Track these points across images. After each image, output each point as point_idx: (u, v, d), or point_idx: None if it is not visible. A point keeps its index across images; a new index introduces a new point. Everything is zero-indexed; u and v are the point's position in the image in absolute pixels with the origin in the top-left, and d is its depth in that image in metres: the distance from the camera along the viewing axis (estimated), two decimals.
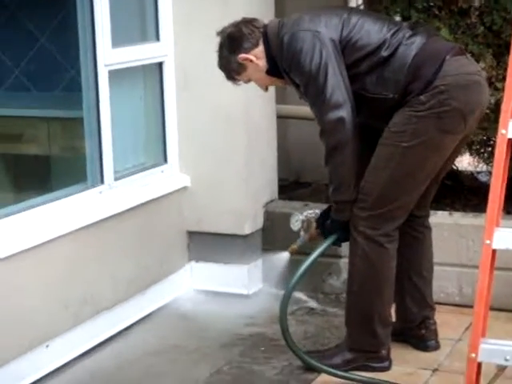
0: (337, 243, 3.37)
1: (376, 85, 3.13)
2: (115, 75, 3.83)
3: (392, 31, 3.15)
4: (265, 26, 3.28)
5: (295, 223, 3.44)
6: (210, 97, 4.13)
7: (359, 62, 3.14)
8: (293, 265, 3.42)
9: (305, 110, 4.73)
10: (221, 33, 3.33)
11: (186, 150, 4.23)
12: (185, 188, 4.22)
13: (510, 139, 2.61)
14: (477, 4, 3.99)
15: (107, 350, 3.66)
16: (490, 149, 4.25)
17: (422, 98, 3.08)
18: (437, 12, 3.99)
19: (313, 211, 3.42)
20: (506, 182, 2.64)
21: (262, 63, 3.26)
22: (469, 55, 3.33)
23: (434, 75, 3.08)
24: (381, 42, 3.12)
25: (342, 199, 3.22)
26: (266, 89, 3.46)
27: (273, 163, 4.38)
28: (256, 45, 3.26)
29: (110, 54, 3.76)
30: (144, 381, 3.39)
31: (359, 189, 3.21)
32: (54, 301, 3.46)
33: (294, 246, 3.46)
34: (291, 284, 3.30)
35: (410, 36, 3.15)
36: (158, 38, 4.12)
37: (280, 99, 4.54)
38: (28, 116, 4.63)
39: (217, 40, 4.08)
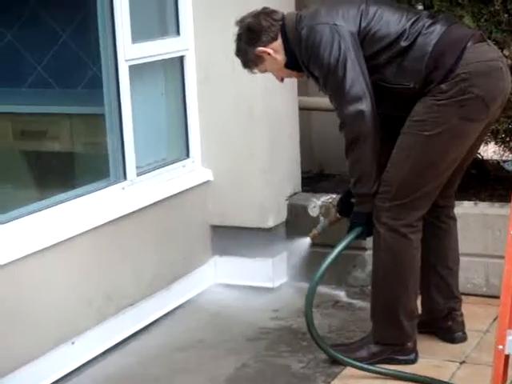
0: (361, 236, 3.34)
1: (396, 75, 3.11)
2: (136, 70, 3.83)
3: (411, 21, 3.12)
4: (283, 19, 3.26)
5: (313, 209, 3.47)
6: (232, 90, 4.12)
7: (378, 54, 3.12)
8: (318, 258, 3.40)
9: (327, 101, 4.72)
10: (240, 22, 3.31)
11: (208, 144, 4.22)
12: (207, 182, 4.21)
13: None
14: None
15: (132, 346, 3.67)
16: None
17: (443, 86, 3.06)
18: (459, 0, 3.94)
19: (330, 196, 3.44)
20: None
21: (280, 56, 3.26)
22: (490, 41, 3.29)
23: (455, 63, 3.05)
24: (400, 32, 3.10)
25: (363, 192, 3.20)
26: (282, 80, 3.45)
27: (296, 156, 4.36)
28: (274, 38, 3.24)
29: (130, 49, 3.75)
30: (169, 376, 3.39)
31: (381, 180, 3.18)
32: (78, 297, 3.46)
33: (315, 231, 3.46)
34: (316, 277, 3.28)
35: (430, 25, 3.12)
36: (178, 33, 4.11)
37: (302, 91, 4.52)
38: (51, 113, 4.65)
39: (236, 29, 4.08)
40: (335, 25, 3.11)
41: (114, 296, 3.64)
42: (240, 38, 3.30)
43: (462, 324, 3.49)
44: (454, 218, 3.48)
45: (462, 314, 3.49)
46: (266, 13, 3.30)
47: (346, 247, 3.31)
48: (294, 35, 3.20)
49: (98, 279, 3.56)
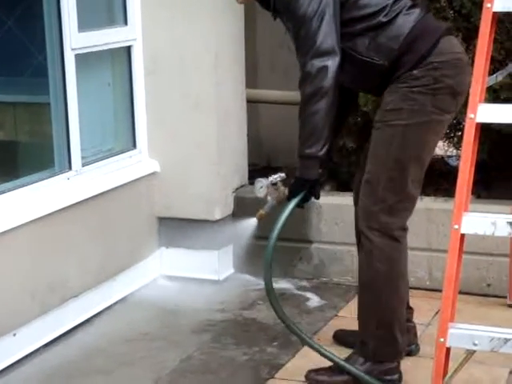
0: (300, 205, 3.11)
1: (368, 48, 3.02)
2: (82, 59, 3.78)
3: None
4: None
5: (260, 189, 3.24)
6: (179, 81, 4.09)
7: (355, 22, 3.04)
8: (263, 251, 3.38)
9: (275, 94, 4.74)
10: None
11: (155, 135, 4.20)
12: (154, 173, 4.19)
13: (478, 123, 2.60)
14: None
15: (76, 337, 3.63)
16: (459, 133, 4.25)
17: (415, 72, 2.99)
18: None
19: (278, 175, 3.26)
20: (474, 166, 2.63)
21: None
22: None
23: (429, 51, 2.99)
24: (381, 6, 3.02)
25: (311, 153, 3.01)
26: (242, 2, 3.35)
27: (243, 148, 4.36)
28: None
29: (76, 38, 3.71)
30: (113, 369, 3.36)
31: (364, 182, 3.07)
32: (21, 288, 3.42)
33: (262, 212, 3.23)
34: (267, 256, 3.08)
35: (410, 7, 3.05)
36: (125, 22, 4.07)
37: (250, 83, 4.51)
38: None
39: (185, 24, 4.06)
40: None
41: (57, 287, 3.59)
42: None
43: (416, 335, 3.40)
44: (406, 228, 3.24)
45: (415, 326, 3.40)
46: None
47: (288, 218, 3.08)
48: None
49: (41, 270, 3.51)
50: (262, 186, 3.20)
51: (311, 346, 3.18)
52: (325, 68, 2.97)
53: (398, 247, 3.09)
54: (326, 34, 2.98)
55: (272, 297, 3.11)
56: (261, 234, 3.33)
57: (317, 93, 2.98)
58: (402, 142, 3.01)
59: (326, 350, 3.16)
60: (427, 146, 3.07)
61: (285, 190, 3.18)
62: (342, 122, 3.30)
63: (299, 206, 3.12)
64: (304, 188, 3.08)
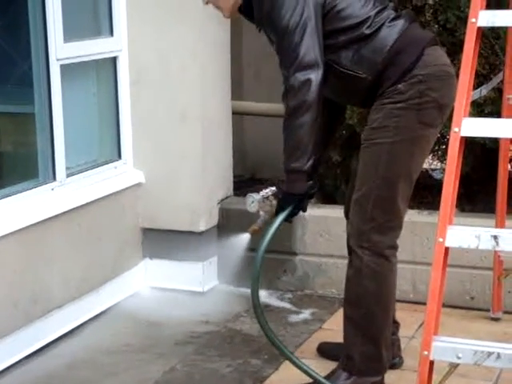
0: (288, 219, 3.10)
1: (351, 61, 3.01)
2: (68, 70, 3.78)
3: (377, 9, 3.03)
4: None
5: (251, 204, 3.21)
6: (165, 92, 4.10)
7: (337, 34, 3.02)
8: (249, 262, 3.38)
9: (261, 106, 4.75)
10: None
11: (140, 146, 4.19)
12: (139, 184, 4.18)
13: (462, 137, 2.61)
14: (431, 2, 4.00)
15: (59, 348, 3.61)
16: (444, 146, 4.27)
17: (400, 86, 2.97)
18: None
19: (269, 189, 3.24)
20: (458, 179, 2.64)
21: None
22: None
23: (414, 63, 2.97)
24: (364, 18, 3.00)
25: (296, 167, 2.99)
26: (229, 17, 3.32)
27: (228, 160, 4.36)
28: None
29: (61, 49, 3.70)
30: (96, 380, 3.34)
31: (353, 201, 3.07)
32: (3, 299, 3.39)
33: (255, 227, 3.20)
34: (254, 273, 3.07)
35: (394, 18, 3.04)
36: (111, 33, 4.07)
37: (236, 95, 4.52)
38: None
39: (170, 35, 4.05)
40: None
41: (40, 298, 3.58)
42: None
43: (399, 348, 3.40)
44: (396, 247, 3.21)
45: (399, 339, 3.40)
46: None
47: (276, 233, 3.08)
48: None
49: (24, 281, 3.49)
50: (253, 201, 3.18)
51: (296, 365, 3.16)
52: (308, 81, 2.94)
53: (387, 266, 3.08)
54: (309, 47, 2.96)
55: (258, 312, 3.09)
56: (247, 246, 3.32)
57: (301, 106, 2.96)
58: (389, 159, 3.00)
59: (309, 369, 3.15)
60: (414, 162, 3.06)
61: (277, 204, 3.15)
62: (330, 134, 3.30)
63: (287, 220, 3.11)
64: (291, 202, 3.07)
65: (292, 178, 3.04)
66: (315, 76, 2.95)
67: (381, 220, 3.03)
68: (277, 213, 3.10)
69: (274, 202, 3.15)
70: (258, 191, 3.22)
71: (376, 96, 3.03)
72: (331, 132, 3.34)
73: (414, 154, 3.04)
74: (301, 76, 2.94)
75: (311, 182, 3.12)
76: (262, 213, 3.20)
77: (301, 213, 3.17)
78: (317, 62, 2.96)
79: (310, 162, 3.00)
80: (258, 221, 3.20)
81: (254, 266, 3.08)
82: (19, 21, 4.02)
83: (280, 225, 3.08)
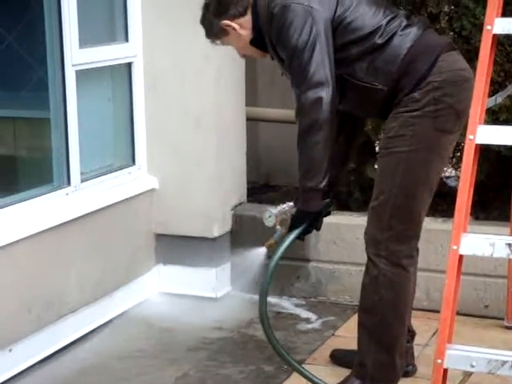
0: (300, 237, 3.12)
1: (366, 73, 3.00)
2: (83, 75, 3.79)
3: (388, 18, 3.02)
4: None
5: (268, 219, 3.25)
6: (180, 98, 4.11)
7: (350, 46, 3.01)
8: (261, 268, 3.38)
9: (275, 112, 4.75)
10: None
11: (154, 152, 4.20)
12: (152, 190, 4.19)
13: (477, 145, 2.61)
14: (446, 9, 3.99)
15: (72, 353, 3.62)
16: (458, 154, 4.26)
17: (415, 95, 2.95)
18: None
19: (286, 205, 3.26)
20: (473, 187, 2.63)
21: (246, 33, 3.11)
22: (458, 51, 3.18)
23: (428, 70, 2.96)
24: (375, 27, 2.99)
25: (311, 186, 3.00)
26: (244, 56, 3.33)
27: (242, 166, 4.36)
28: (243, 14, 3.08)
29: (77, 54, 3.72)
30: None
31: (370, 209, 3.06)
32: (18, 303, 3.40)
33: (272, 241, 3.23)
34: (264, 285, 3.11)
35: (406, 26, 3.02)
36: (126, 39, 4.09)
37: (250, 101, 4.53)
38: None
39: (185, 41, 4.06)
40: (310, 7, 2.96)
41: (54, 303, 3.58)
42: (207, 8, 3.15)
43: (413, 356, 3.38)
44: (417, 249, 3.20)
45: (412, 347, 3.37)
46: None
47: (288, 248, 3.11)
48: (266, 12, 3.04)
49: (38, 285, 3.50)
50: (270, 216, 3.21)
51: (304, 375, 3.18)
52: (319, 99, 2.94)
53: (405, 275, 3.07)
54: (318, 65, 2.95)
55: (266, 326, 3.11)
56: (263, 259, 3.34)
57: (313, 125, 2.96)
58: (407, 168, 2.98)
59: (318, 379, 3.15)
60: (433, 170, 3.04)
61: None
62: (348, 150, 3.27)
63: (299, 238, 3.12)
64: (306, 220, 3.08)
65: (307, 196, 3.04)
66: (326, 94, 2.94)
67: (398, 229, 3.02)
68: (290, 230, 3.11)
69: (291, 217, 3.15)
70: (275, 206, 3.25)
71: (392, 105, 3.02)
72: (349, 148, 3.32)
73: (432, 162, 3.02)
74: (311, 94, 2.95)
75: (327, 200, 3.13)
76: (278, 227, 3.22)
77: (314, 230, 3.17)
78: (327, 80, 2.95)
79: (326, 180, 3.00)
80: (275, 235, 3.23)
81: (262, 283, 3.10)
82: (35, 27, 4.04)
83: (292, 243, 3.10)
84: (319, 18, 2.97)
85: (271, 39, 3.07)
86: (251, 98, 4.55)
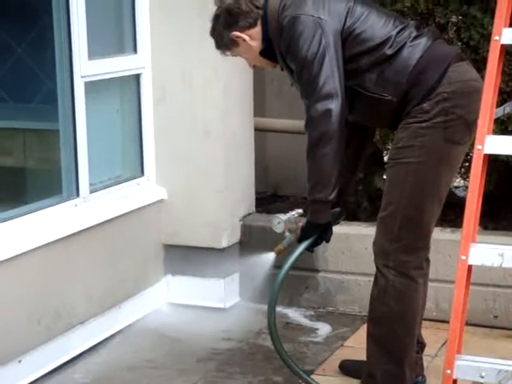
0: (310, 248, 3.13)
1: (376, 84, 2.99)
2: (92, 87, 3.80)
3: (398, 29, 3.01)
4: (265, 6, 3.09)
5: (277, 225, 3.25)
6: (188, 109, 4.12)
7: (360, 57, 3.00)
8: (269, 279, 3.38)
9: (283, 122, 4.76)
10: (219, 3, 3.14)
11: (162, 163, 4.21)
12: (161, 201, 4.20)
13: (485, 155, 2.61)
14: (454, 19, 4.00)
15: (81, 364, 3.62)
16: (467, 164, 4.25)
17: (425, 105, 2.95)
18: None
19: (295, 211, 3.27)
20: (481, 197, 2.63)
21: (256, 44, 3.11)
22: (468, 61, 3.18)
23: (438, 81, 2.95)
24: (385, 38, 2.98)
25: (320, 198, 2.99)
26: (254, 67, 3.34)
27: (250, 176, 4.37)
28: (253, 25, 3.08)
29: (86, 66, 3.73)
30: None
31: (379, 219, 3.05)
32: (27, 314, 3.41)
33: (281, 247, 3.22)
34: (273, 294, 3.12)
35: (416, 37, 3.01)
36: (135, 50, 4.11)
37: (258, 112, 4.53)
38: (4, 127, 4.59)
39: (194, 53, 4.07)
40: (319, 18, 2.96)
41: (63, 314, 3.59)
42: (217, 19, 3.15)
43: (422, 367, 3.37)
44: (428, 260, 3.22)
45: (421, 358, 3.36)
46: None
47: (297, 260, 3.12)
48: (276, 24, 3.05)
49: (47, 296, 3.51)
50: (279, 222, 3.21)
51: None
52: (328, 111, 2.94)
53: (413, 286, 3.05)
54: (328, 77, 2.94)
55: (274, 337, 3.11)
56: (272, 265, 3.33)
57: (322, 137, 2.95)
58: (416, 179, 2.97)
59: None
60: (442, 181, 3.03)
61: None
62: (358, 161, 3.27)
63: (308, 249, 3.12)
64: (315, 232, 3.08)
65: (316, 208, 3.04)
66: (335, 106, 2.94)
67: (407, 240, 3.01)
68: (299, 241, 3.11)
69: (300, 224, 3.16)
70: (285, 213, 3.24)
71: (402, 116, 3.02)
72: (358, 158, 3.32)
73: (442, 173, 3.01)
74: (321, 106, 2.94)
75: (337, 209, 3.14)
76: (287, 233, 3.22)
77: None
78: (336, 92, 2.95)
79: (335, 192, 2.99)
80: (284, 242, 3.23)
81: (271, 294, 3.11)
82: (44, 38, 4.07)
83: (301, 254, 3.10)
84: (329, 29, 2.97)
85: (281, 50, 3.07)
86: (259, 108, 4.56)
